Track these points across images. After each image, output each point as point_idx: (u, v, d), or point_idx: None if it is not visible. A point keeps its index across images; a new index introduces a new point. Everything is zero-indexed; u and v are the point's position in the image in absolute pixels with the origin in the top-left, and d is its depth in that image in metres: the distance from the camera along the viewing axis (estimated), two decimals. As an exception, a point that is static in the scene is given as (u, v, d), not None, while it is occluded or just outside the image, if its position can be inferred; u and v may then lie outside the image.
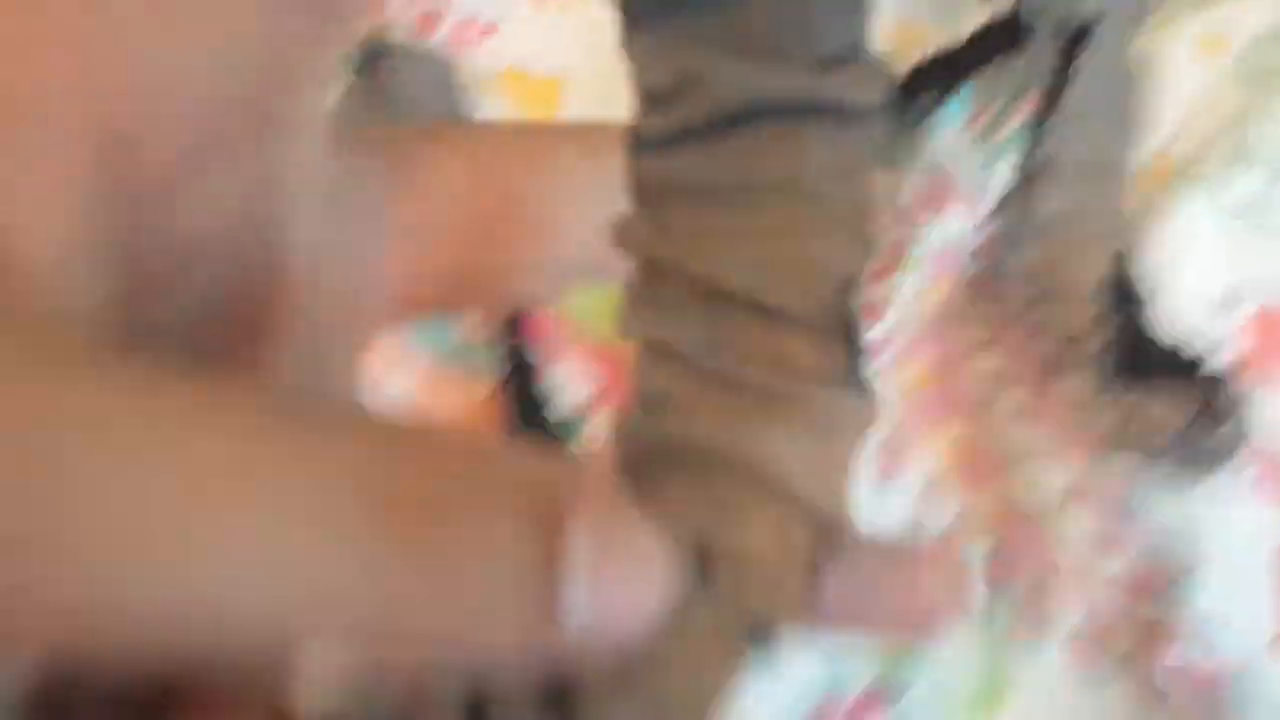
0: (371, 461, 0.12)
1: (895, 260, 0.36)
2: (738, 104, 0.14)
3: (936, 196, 0.36)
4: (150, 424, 0.11)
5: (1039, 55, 0.38)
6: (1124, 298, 0.36)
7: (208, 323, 0.15)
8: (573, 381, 0.40)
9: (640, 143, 0.15)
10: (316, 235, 0.15)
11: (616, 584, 0.12)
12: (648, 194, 0.15)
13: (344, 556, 0.11)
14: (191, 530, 0.11)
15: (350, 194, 0.16)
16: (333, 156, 0.16)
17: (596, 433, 0.39)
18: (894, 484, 0.37)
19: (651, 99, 0.15)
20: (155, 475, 0.11)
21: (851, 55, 0.14)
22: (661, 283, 0.15)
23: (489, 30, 0.42)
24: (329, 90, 0.16)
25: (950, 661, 0.37)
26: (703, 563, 0.13)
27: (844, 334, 0.14)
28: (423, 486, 0.12)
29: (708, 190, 0.14)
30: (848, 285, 0.14)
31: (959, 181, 0.36)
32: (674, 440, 0.14)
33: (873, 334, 0.35)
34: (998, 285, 0.38)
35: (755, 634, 0.14)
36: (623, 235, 0.15)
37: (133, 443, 0.11)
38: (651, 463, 0.14)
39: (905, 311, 0.36)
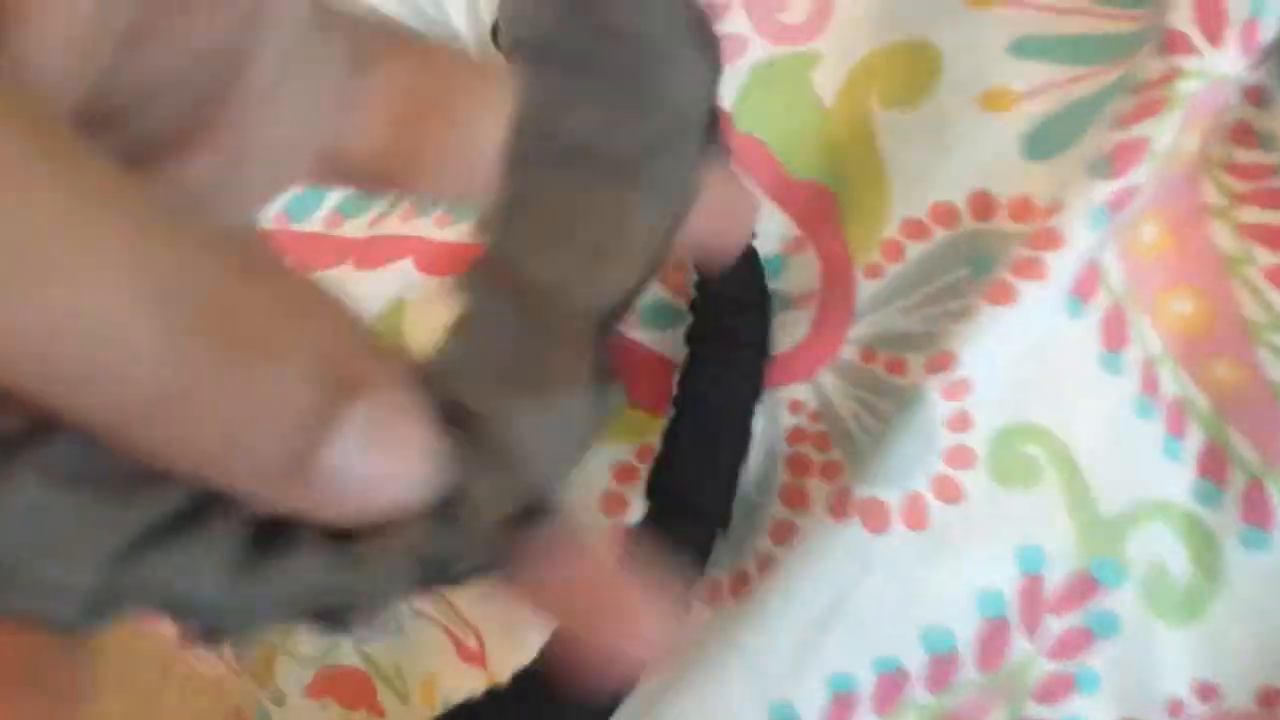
0: (224, 277, 0.13)
1: (1157, 100, 0.32)
2: (585, 146, 0.18)
3: (1203, 33, 0.32)
4: (61, 186, 0.12)
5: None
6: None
7: (151, 146, 0.16)
8: (769, 220, 0.36)
9: (512, 157, 0.18)
10: (273, 81, 0.17)
11: (371, 465, 0.14)
12: (506, 199, 0.18)
13: (161, 336, 0.13)
14: (53, 272, 0.12)
15: (314, 60, 0.18)
16: (311, 23, 0.17)
17: (796, 275, 0.35)
18: (1120, 355, 0.34)
19: (521, 130, 0.18)
20: (48, 225, 0.12)
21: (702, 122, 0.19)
22: (491, 272, 0.18)
23: None
24: None
25: (1163, 553, 0.34)
26: (445, 493, 0.15)
27: (607, 342, 0.18)
28: (253, 313, 0.14)
29: (545, 213, 0.18)
30: (626, 303, 0.18)
31: (1230, 17, 0.32)
32: (456, 397, 0.16)
33: (1124, 181, 0.31)
34: (1257, 136, 0.34)
35: (447, 565, 0.16)
36: (481, 227, 0.18)
37: (40, 198, 0.12)
38: (439, 409, 0.16)
39: (1157, 160, 0.32)
